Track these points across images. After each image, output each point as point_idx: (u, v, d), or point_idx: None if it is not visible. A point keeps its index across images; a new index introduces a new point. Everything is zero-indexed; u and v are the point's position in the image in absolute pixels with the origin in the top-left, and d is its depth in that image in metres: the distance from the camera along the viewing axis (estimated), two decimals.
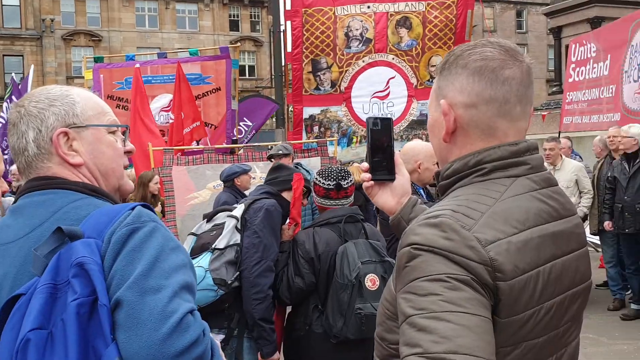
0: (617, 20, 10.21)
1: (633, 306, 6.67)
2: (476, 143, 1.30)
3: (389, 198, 1.61)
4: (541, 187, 1.29)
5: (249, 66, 42.10)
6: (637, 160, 6.32)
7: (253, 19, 42.28)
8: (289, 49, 9.99)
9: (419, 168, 3.66)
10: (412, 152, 3.72)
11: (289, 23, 9.91)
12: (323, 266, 3.25)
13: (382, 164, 1.57)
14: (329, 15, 9.74)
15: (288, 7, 9.85)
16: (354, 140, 9.73)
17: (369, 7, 9.80)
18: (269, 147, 6.84)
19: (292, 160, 6.15)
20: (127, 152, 1.55)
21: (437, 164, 3.78)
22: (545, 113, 14.99)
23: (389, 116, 1.69)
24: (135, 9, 38.89)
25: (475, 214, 1.18)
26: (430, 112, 1.41)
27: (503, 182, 1.26)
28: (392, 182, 1.60)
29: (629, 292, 6.93)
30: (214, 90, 10.35)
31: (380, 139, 1.55)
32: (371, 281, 3.12)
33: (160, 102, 10.11)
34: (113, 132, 1.50)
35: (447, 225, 1.15)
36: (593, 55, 9.85)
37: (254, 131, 12.17)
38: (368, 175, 1.57)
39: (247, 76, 41.25)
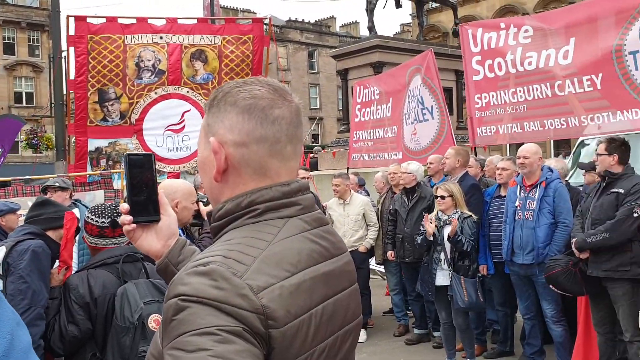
0: (396, 67, 11.14)
1: (416, 331, 7.10)
2: (248, 183, 1.26)
3: (154, 241, 1.48)
4: (313, 227, 1.29)
5: (26, 93, 38.93)
6: (415, 195, 6.82)
7: (32, 43, 39.28)
8: (72, 76, 9.30)
9: (177, 207, 3.52)
10: (169, 189, 3.55)
11: (72, 49, 9.25)
12: (100, 311, 3.00)
13: (144, 204, 1.44)
14: (118, 44, 9.29)
15: (72, 32, 9.18)
16: None
17: (161, 37, 9.53)
18: (47, 180, 6.17)
19: (71, 196, 5.61)
20: None
21: (196, 202, 3.73)
22: (336, 150, 15.79)
23: (149, 152, 1.54)
24: None
25: (248, 259, 1.13)
26: (200, 150, 1.33)
27: (276, 223, 1.23)
28: (157, 224, 1.47)
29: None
30: None
31: (142, 176, 1.43)
32: (155, 322, 2.92)
33: None
34: None
35: (218, 273, 1.08)
36: (377, 98, 10.58)
37: (2, 158, 11.04)
38: (129, 218, 1.42)
39: (24, 104, 38.03)
